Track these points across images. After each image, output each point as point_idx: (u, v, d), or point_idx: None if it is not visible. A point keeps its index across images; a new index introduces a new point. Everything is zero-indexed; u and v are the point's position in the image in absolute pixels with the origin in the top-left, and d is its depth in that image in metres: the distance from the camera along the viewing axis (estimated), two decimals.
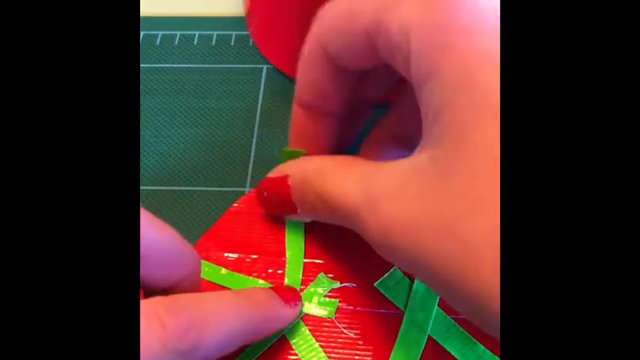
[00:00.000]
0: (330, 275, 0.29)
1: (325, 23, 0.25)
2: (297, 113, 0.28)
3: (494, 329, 0.19)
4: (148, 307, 0.20)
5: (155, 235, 0.22)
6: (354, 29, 0.24)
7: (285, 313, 0.26)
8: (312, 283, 0.29)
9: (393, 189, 0.22)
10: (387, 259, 0.23)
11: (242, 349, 0.27)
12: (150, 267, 0.22)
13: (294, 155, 0.29)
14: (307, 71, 0.27)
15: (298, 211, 0.27)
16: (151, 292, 0.23)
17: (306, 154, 0.28)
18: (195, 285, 0.25)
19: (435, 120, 0.21)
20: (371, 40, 0.23)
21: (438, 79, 0.20)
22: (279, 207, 0.28)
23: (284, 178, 0.27)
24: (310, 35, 0.26)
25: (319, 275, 0.29)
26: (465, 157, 0.19)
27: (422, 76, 0.21)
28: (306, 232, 0.30)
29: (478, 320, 0.20)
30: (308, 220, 0.29)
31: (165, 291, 0.24)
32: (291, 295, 0.27)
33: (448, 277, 0.20)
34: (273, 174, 0.28)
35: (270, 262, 0.29)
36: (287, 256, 0.30)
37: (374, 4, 0.23)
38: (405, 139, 0.28)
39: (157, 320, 0.20)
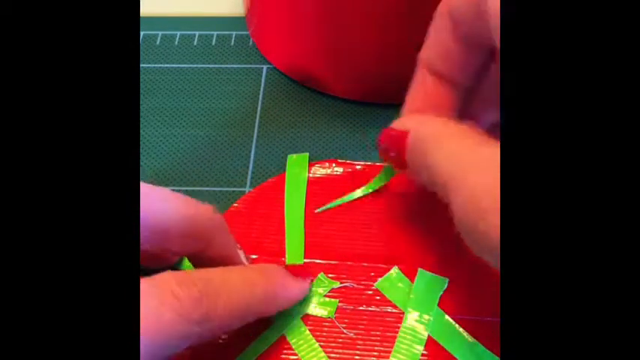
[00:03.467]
0: (330, 275, 0.29)
1: None
2: (421, 76, 0.28)
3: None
4: (161, 282, 0.21)
5: (168, 210, 0.23)
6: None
7: (295, 286, 0.27)
8: (311, 283, 0.29)
9: (483, 164, 0.22)
10: (470, 233, 0.22)
11: (242, 350, 0.27)
12: (169, 240, 0.24)
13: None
14: (434, 34, 0.27)
15: (407, 168, 0.27)
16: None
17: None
18: (226, 246, 0.26)
19: None
20: (478, 7, 0.23)
21: None
22: (393, 159, 0.28)
23: (404, 134, 0.27)
24: (439, 5, 0.26)
25: (319, 275, 0.29)
26: None
27: None
28: (306, 232, 0.30)
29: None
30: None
31: (196, 255, 0.25)
32: (301, 271, 0.28)
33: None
34: (395, 125, 0.28)
35: (270, 262, 0.29)
36: (287, 256, 0.30)
37: None
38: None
39: (170, 293, 0.21)
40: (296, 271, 0.27)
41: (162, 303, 0.21)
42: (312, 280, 0.28)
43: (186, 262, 0.29)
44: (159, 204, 0.23)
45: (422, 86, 0.28)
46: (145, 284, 0.21)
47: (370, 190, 0.31)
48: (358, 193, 0.31)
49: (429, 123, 0.26)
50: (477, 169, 0.22)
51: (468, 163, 0.23)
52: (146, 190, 0.23)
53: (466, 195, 0.22)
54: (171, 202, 0.24)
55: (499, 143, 0.22)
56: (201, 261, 0.26)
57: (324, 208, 0.31)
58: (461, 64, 0.27)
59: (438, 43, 0.27)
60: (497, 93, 0.23)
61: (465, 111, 0.28)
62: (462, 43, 0.26)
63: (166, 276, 0.21)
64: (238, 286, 0.24)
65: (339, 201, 0.31)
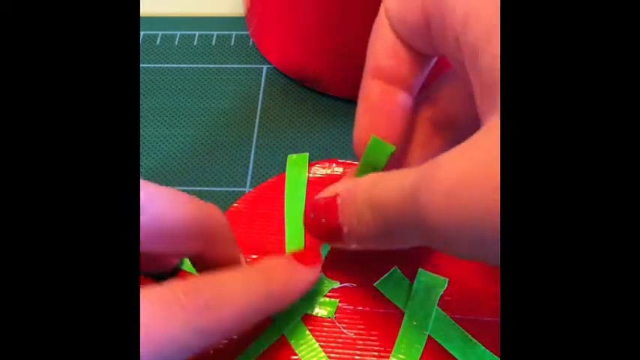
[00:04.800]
0: (330, 275, 0.29)
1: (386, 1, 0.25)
2: (368, 85, 0.26)
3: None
4: (167, 292, 0.21)
5: (175, 210, 0.23)
6: (413, 5, 0.23)
7: (304, 276, 0.26)
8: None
9: (452, 156, 0.21)
10: (448, 240, 0.21)
11: (242, 350, 0.27)
12: (174, 241, 0.24)
13: (381, 148, 0.26)
14: (376, 38, 0.26)
15: (344, 230, 0.25)
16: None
17: (395, 150, 0.26)
18: (229, 246, 0.26)
19: (491, 88, 0.20)
20: (427, 19, 0.23)
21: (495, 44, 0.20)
22: (324, 230, 0.26)
23: (333, 198, 0.26)
24: (379, 12, 0.26)
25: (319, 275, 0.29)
26: None
27: (481, 40, 0.21)
28: (306, 232, 0.30)
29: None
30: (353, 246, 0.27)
31: (199, 256, 0.25)
32: (309, 257, 0.27)
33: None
34: (322, 194, 0.27)
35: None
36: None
37: None
38: (446, 124, 0.27)
39: (176, 303, 0.21)
40: (303, 258, 0.27)
41: (169, 313, 0.21)
42: (320, 264, 0.27)
43: (187, 263, 0.29)
44: (166, 204, 0.23)
45: (371, 96, 0.26)
46: (152, 294, 0.21)
47: None
48: None
49: (363, 178, 0.25)
50: (443, 167, 0.21)
51: (421, 175, 0.21)
52: (152, 189, 0.23)
53: (443, 192, 0.20)
54: (178, 203, 0.24)
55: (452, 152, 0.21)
56: (203, 261, 0.26)
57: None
58: (408, 63, 0.26)
59: (381, 44, 0.26)
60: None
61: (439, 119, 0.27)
62: (403, 46, 0.25)
63: (172, 285, 0.21)
64: (244, 292, 0.23)
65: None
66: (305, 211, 0.28)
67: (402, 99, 0.26)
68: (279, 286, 0.25)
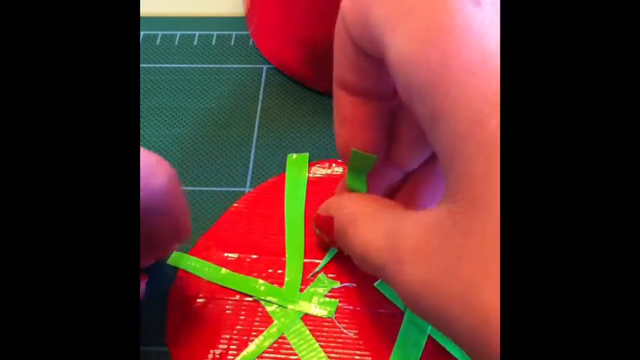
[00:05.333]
0: (330, 275, 0.29)
1: (342, 6, 0.23)
2: (339, 96, 0.25)
3: None
4: None
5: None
6: (364, 22, 0.22)
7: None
8: (312, 283, 0.29)
9: (417, 247, 0.20)
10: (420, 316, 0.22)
11: (242, 350, 0.27)
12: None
13: (362, 159, 0.25)
14: (338, 49, 0.24)
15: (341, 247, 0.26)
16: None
17: (376, 160, 0.26)
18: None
19: (449, 168, 0.19)
20: (368, 34, 0.22)
21: (443, 125, 0.19)
22: (331, 243, 0.28)
23: (330, 219, 0.26)
24: (339, 12, 0.24)
25: (319, 275, 0.29)
26: (481, 217, 0.18)
27: (427, 118, 0.19)
28: (306, 232, 0.30)
29: None
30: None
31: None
32: None
33: (462, 339, 0.19)
34: (322, 210, 0.27)
35: (270, 262, 0.29)
36: (287, 256, 0.30)
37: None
38: (401, 165, 0.27)
39: None
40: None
41: None
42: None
43: (185, 263, 0.30)
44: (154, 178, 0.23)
45: (344, 108, 0.25)
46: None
47: None
48: None
49: (345, 204, 0.25)
50: (410, 259, 0.20)
51: (394, 252, 0.21)
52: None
53: (409, 290, 0.21)
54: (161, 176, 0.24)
55: (419, 216, 0.21)
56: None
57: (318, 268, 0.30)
58: (371, 73, 0.24)
59: (343, 56, 0.24)
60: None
61: (389, 155, 0.27)
62: (363, 54, 0.23)
63: None
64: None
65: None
66: (312, 219, 0.29)
67: (374, 108, 0.25)
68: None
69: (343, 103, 0.25)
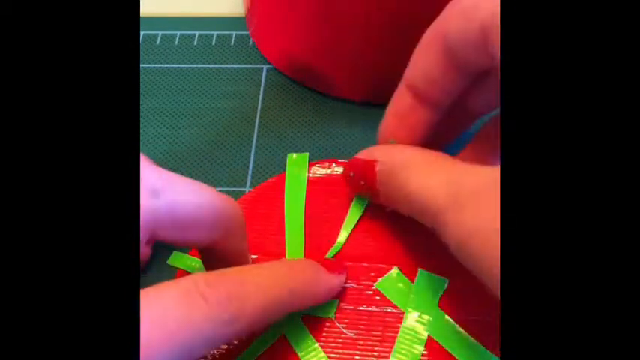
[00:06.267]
0: None
1: (448, 14, 0.25)
2: (401, 94, 0.28)
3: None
4: (189, 283, 0.21)
5: (194, 197, 0.23)
6: (473, 22, 0.24)
7: (328, 280, 0.27)
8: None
9: (479, 194, 0.22)
10: (461, 262, 0.23)
11: (242, 350, 0.27)
12: (188, 230, 0.24)
13: None
14: (422, 58, 0.27)
15: (381, 198, 0.28)
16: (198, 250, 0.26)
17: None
18: (241, 240, 0.26)
19: None
20: (485, 33, 0.23)
21: None
22: (363, 189, 0.29)
23: (372, 163, 0.27)
24: (432, 25, 0.26)
25: None
26: None
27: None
28: (306, 232, 0.30)
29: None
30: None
31: (209, 248, 0.25)
32: (335, 265, 0.28)
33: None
34: (362, 155, 0.28)
35: (272, 260, 0.29)
36: (287, 256, 0.30)
37: None
38: None
39: (198, 294, 0.21)
40: (330, 265, 0.27)
41: (191, 304, 0.20)
42: (346, 273, 0.28)
43: (185, 263, 0.29)
44: (182, 191, 0.23)
45: (401, 105, 0.28)
46: (173, 285, 0.21)
47: (356, 218, 0.30)
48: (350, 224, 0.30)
49: (398, 150, 0.27)
50: (471, 205, 0.22)
51: (453, 197, 0.23)
52: (169, 175, 0.23)
53: (464, 234, 0.22)
54: (194, 190, 0.23)
55: (485, 169, 0.22)
56: (213, 254, 0.26)
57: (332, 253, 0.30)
58: (446, 89, 0.27)
59: (425, 66, 0.27)
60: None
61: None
62: (453, 68, 0.26)
63: (195, 276, 0.21)
64: (269, 285, 0.23)
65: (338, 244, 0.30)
66: (344, 168, 0.30)
67: (428, 117, 0.28)
68: (303, 285, 0.25)
69: (403, 99, 0.28)
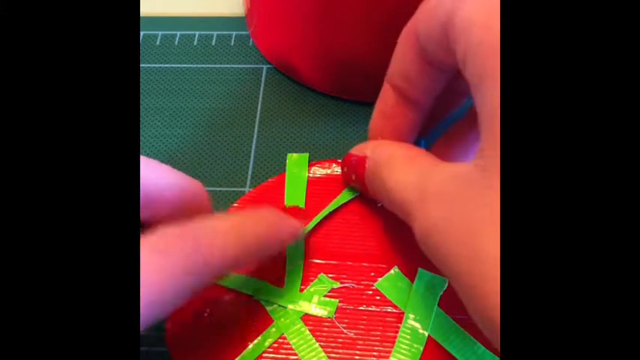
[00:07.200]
0: (330, 275, 0.29)
1: (418, 12, 0.26)
2: (385, 92, 0.29)
3: (496, 340, 0.19)
4: (161, 238, 0.22)
5: (160, 178, 0.25)
6: (436, 20, 0.24)
7: (290, 224, 0.27)
8: (312, 283, 0.29)
9: (442, 191, 0.22)
10: (428, 257, 0.24)
11: (242, 350, 0.27)
12: (156, 209, 0.24)
13: None
14: (400, 57, 0.27)
15: (370, 192, 0.29)
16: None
17: None
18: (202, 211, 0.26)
19: (486, 127, 0.21)
20: (445, 30, 0.24)
21: (490, 84, 0.20)
22: (355, 183, 0.30)
23: (363, 159, 0.28)
24: (407, 24, 0.27)
25: (319, 275, 0.29)
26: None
27: (475, 76, 0.21)
28: (305, 233, 0.30)
29: (486, 332, 0.21)
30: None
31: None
32: (294, 211, 0.29)
33: (461, 282, 0.21)
34: (355, 150, 0.29)
35: (270, 262, 0.29)
36: (287, 256, 0.30)
37: None
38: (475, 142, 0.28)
39: (172, 246, 0.21)
40: (291, 211, 0.29)
41: (166, 256, 0.21)
42: (304, 224, 0.29)
43: None
44: (147, 170, 0.24)
45: (385, 103, 0.29)
46: (145, 241, 0.21)
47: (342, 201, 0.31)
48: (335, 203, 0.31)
49: (384, 147, 0.28)
50: (433, 200, 0.23)
51: (421, 192, 0.23)
52: (142, 158, 0.23)
53: (428, 227, 0.22)
54: (159, 170, 0.25)
55: (451, 166, 0.23)
56: None
57: (313, 223, 0.30)
58: (423, 86, 0.27)
59: (402, 62, 0.27)
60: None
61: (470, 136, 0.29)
62: (427, 66, 0.26)
63: (165, 231, 0.22)
64: (233, 230, 0.24)
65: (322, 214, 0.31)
66: (341, 162, 0.31)
67: (411, 114, 0.28)
68: (267, 228, 0.26)
69: (388, 97, 0.29)
